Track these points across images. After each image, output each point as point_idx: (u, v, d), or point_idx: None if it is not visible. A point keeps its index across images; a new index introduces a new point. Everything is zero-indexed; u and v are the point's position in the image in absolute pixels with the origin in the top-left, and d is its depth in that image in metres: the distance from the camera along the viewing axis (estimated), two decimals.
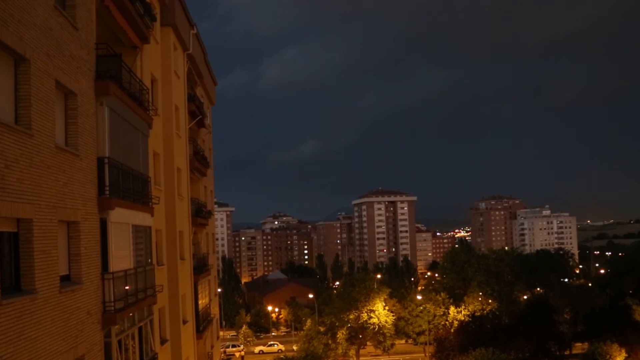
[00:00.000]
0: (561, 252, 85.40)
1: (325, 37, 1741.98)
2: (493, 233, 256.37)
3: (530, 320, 58.05)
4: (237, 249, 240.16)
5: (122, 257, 15.34)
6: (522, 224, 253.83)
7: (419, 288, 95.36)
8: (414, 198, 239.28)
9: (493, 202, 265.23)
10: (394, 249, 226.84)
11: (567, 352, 63.41)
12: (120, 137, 15.67)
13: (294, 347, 74.92)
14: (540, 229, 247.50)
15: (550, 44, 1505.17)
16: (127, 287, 15.41)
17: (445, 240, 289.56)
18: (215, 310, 39.23)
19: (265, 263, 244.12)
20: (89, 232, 13.43)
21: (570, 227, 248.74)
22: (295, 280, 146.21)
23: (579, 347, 65.26)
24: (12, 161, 9.94)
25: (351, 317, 64.94)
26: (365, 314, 64.54)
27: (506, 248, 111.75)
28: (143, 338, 17.42)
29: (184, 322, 25.54)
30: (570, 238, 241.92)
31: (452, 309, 66.24)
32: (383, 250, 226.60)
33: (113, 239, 14.61)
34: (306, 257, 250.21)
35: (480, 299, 67.70)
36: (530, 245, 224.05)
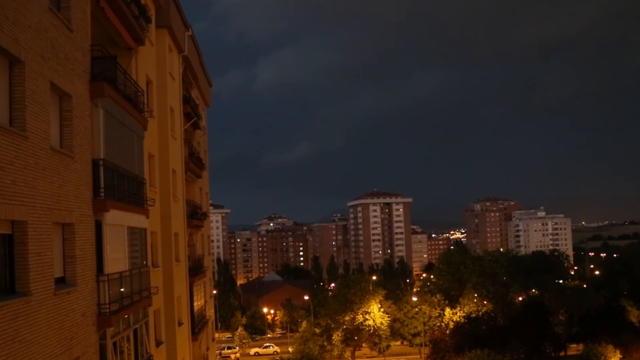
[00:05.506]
0: (556, 253, 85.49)
1: (320, 38, 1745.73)
2: (488, 234, 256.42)
3: (526, 321, 58.15)
4: (233, 251, 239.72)
5: (117, 259, 15.30)
6: (517, 225, 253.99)
7: (415, 289, 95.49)
8: (409, 199, 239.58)
9: (488, 204, 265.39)
10: (389, 251, 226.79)
11: (562, 354, 63.57)
12: (115, 139, 15.65)
13: (290, 349, 74.97)
14: (535, 231, 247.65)
15: (546, 45, 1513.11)
16: (122, 289, 15.38)
17: (440, 242, 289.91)
18: (210, 312, 39.18)
19: (261, 265, 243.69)
20: (84, 234, 13.40)
21: (565, 229, 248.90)
22: (290, 282, 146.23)
23: (574, 349, 65.45)
24: (7, 163, 9.92)
25: (347, 318, 65.00)
26: (361, 316, 64.61)
27: (501, 249, 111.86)
28: (138, 340, 17.38)
29: (180, 324, 25.48)
30: (565, 239, 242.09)
31: (447, 311, 66.41)
32: (378, 251, 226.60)
33: (108, 240, 14.58)
34: (302, 258, 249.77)
35: (475, 300, 67.93)
36: (525, 247, 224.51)
